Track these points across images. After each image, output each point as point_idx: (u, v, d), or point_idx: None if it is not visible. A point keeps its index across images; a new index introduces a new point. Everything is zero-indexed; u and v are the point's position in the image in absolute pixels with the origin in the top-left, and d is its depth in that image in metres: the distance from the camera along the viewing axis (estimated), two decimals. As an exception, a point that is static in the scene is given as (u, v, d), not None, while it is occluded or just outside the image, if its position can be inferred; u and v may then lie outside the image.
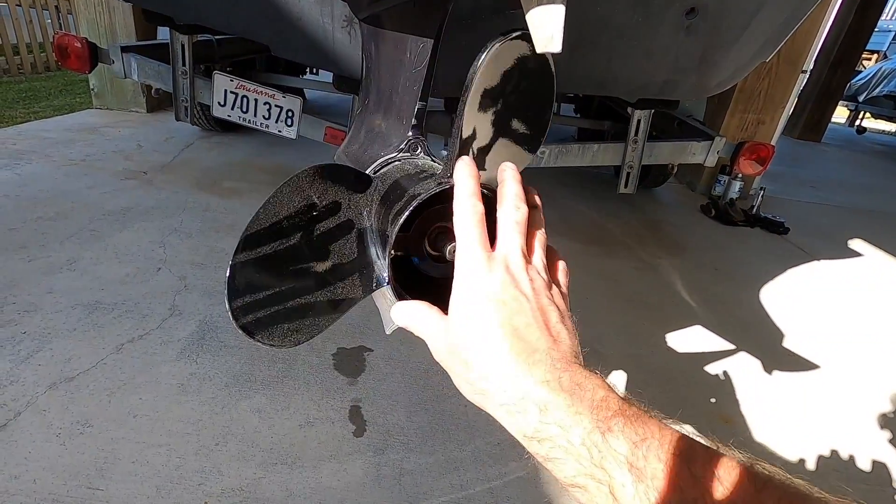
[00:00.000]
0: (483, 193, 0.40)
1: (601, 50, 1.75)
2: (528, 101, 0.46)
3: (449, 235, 0.45)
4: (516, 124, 0.46)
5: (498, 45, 0.41)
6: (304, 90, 3.62)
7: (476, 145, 0.44)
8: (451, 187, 0.38)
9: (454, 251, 0.39)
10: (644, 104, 2.20)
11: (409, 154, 0.73)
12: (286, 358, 1.44)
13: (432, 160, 0.77)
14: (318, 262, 0.48)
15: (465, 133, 0.42)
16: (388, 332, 0.57)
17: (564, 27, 0.38)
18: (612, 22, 1.61)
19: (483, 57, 0.40)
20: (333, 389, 1.35)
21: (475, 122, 0.43)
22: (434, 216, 0.44)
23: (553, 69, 0.48)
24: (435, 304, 0.43)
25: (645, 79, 1.90)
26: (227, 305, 0.41)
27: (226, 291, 0.41)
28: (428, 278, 0.50)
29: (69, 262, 1.76)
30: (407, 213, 0.40)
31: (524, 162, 0.48)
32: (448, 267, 0.43)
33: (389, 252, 0.42)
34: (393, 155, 0.73)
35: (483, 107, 0.43)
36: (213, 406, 1.24)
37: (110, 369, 1.31)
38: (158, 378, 1.31)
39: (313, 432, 1.21)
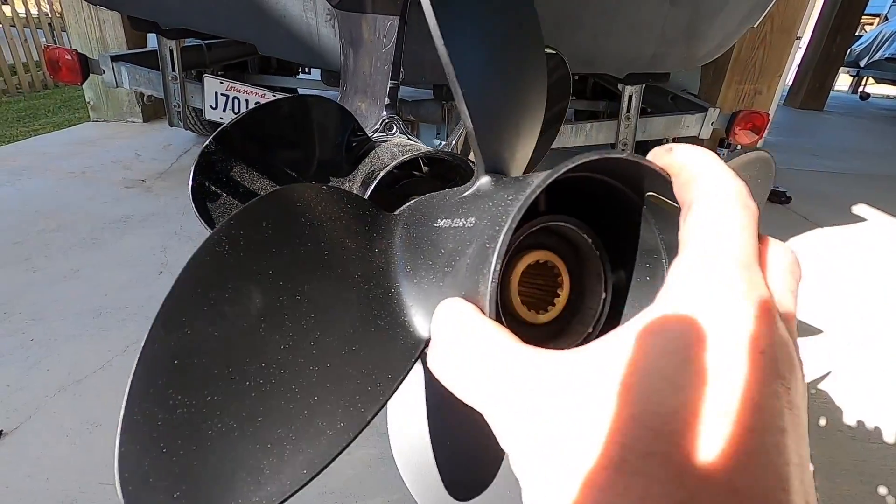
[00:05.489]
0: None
1: (586, 27, 1.74)
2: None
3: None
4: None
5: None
6: (298, 89, 3.63)
7: None
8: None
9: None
10: (634, 79, 2.19)
11: (384, 133, 0.73)
12: (288, 351, 1.46)
13: (409, 139, 0.78)
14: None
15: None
16: None
17: None
18: (594, -3, 1.60)
19: None
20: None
21: None
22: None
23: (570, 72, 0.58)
24: None
25: (633, 53, 1.89)
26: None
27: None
28: None
29: (72, 271, 1.79)
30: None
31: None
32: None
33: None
34: (368, 135, 0.73)
35: None
36: (217, 400, 1.26)
37: (116, 371, 1.34)
38: (163, 376, 1.33)
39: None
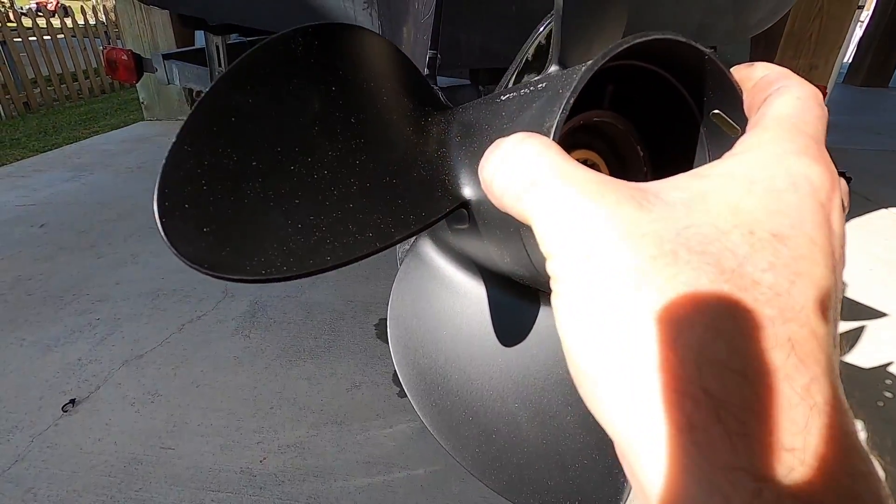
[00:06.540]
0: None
1: None
2: None
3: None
4: None
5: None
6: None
7: None
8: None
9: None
10: (678, 56, 2.10)
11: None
12: (331, 330, 1.50)
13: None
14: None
15: None
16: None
17: None
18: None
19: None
20: (377, 356, 1.40)
21: None
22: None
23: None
24: None
25: (677, 24, 1.81)
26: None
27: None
28: None
29: (132, 256, 1.91)
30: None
31: None
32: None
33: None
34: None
35: None
36: (266, 375, 1.32)
37: (174, 347, 1.42)
38: (216, 352, 1.40)
39: (360, 394, 1.26)
